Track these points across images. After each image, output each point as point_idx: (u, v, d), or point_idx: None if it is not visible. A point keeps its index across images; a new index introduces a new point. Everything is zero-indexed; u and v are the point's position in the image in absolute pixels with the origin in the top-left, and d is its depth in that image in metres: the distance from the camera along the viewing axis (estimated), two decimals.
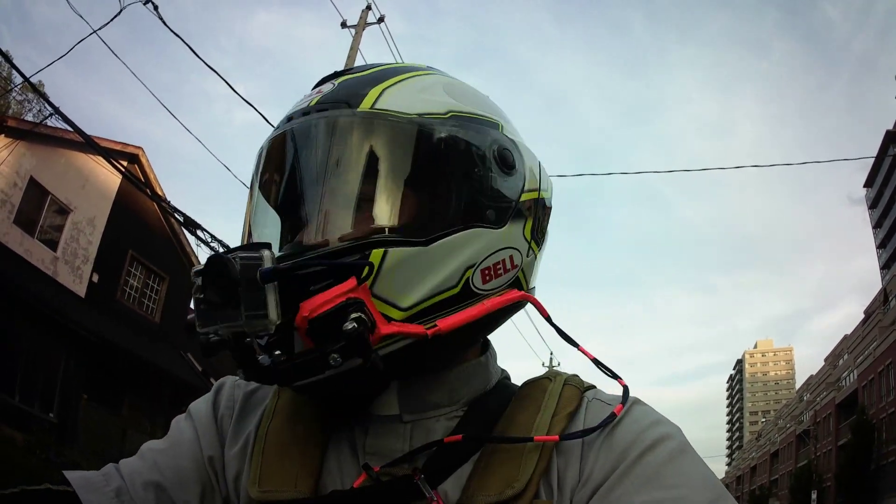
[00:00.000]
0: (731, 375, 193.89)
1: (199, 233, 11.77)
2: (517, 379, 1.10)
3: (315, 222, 0.93)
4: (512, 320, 1.09)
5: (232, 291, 0.79)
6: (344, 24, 14.08)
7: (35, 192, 16.78)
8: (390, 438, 0.95)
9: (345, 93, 0.97)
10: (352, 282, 0.84)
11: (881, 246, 70.56)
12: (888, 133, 58.14)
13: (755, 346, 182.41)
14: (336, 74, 1.04)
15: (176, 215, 12.90)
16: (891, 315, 47.96)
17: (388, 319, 0.86)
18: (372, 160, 0.92)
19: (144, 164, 19.65)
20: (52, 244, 17.40)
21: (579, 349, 1.03)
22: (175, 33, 9.49)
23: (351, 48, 13.62)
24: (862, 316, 60.76)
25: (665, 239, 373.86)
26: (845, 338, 63.29)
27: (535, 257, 1.04)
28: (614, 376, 0.99)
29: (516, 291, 0.99)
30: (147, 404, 20.29)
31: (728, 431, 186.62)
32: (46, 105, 10.77)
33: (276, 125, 1.02)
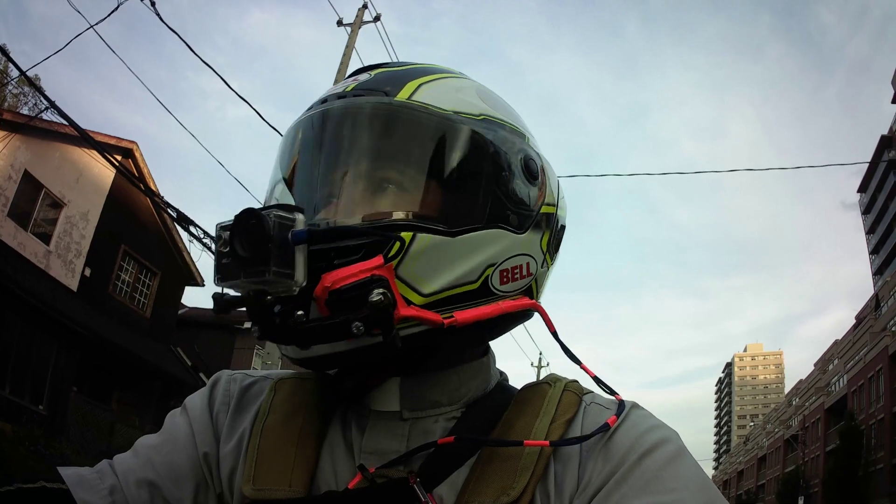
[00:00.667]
0: (720, 378, 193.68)
1: (191, 229, 11.77)
2: (511, 380, 1.11)
3: (345, 199, 0.94)
4: None
5: (262, 247, 0.80)
6: (340, 23, 14.04)
7: (29, 186, 16.71)
8: (387, 438, 0.95)
9: (382, 82, 0.99)
10: (378, 259, 0.84)
11: (874, 252, 70.61)
12: (883, 138, 58.26)
13: (745, 350, 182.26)
14: (372, 67, 1.06)
15: (169, 211, 12.87)
16: (882, 321, 48.04)
17: (408, 303, 0.86)
18: (406, 147, 0.95)
19: (139, 158, 19.55)
20: (46, 238, 17.33)
21: (581, 367, 1.03)
22: (171, 29, 9.46)
23: (347, 46, 13.58)
24: (853, 321, 60.92)
25: (657, 241, 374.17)
26: (836, 343, 63.31)
27: (548, 270, 1.06)
28: (612, 393, 1.00)
29: (528, 299, 1.01)
30: (136, 399, 20.26)
31: (716, 435, 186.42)
32: (42, 99, 10.75)
33: (287, 117, 1.05)
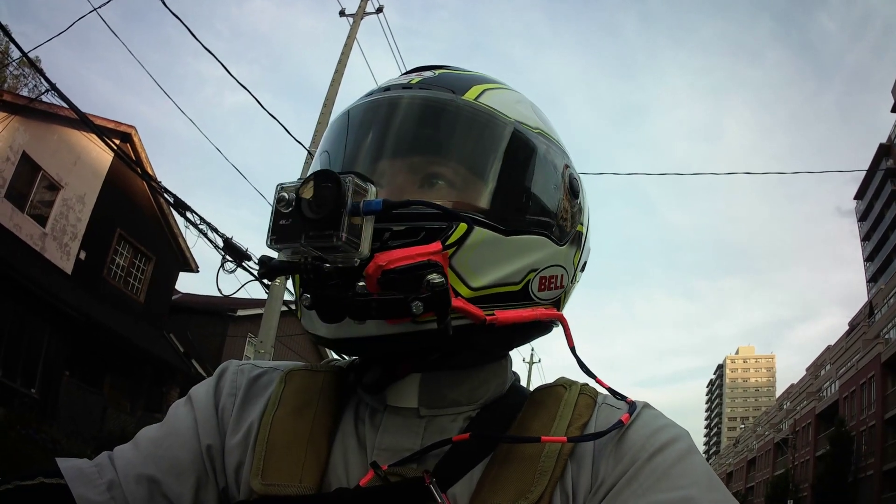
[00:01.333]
0: (711, 380, 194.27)
1: (188, 214, 11.72)
2: None
3: (406, 185, 0.93)
4: None
5: (336, 211, 0.78)
6: (342, 13, 14.01)
7: (27, 167, 16.69)
8: (402, 435, 0.94)
9: (448, 81, 1.02)
10: (437, 245, 0.85)
11: (868, 259, 70.82)
12: (881, 146, 58.32)
13: (737, 352, 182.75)
14: (433, 66, 1.09)
15: (165, 196, 12.83)
16: (875, 328, 48.23)
17: (455, 294, 0.86)
18: (470, 145, 0.97)
19: (137, 143, 19.50)
20: (42, 220, 17.32)
21: (597, 380, 1.03)
22: (174, 13, 9.43)
23: (348, 37, 13.54)
24: (845, 327, 61.04)
25: (650, 242, 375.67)
26: (828, 348, 63.59)
27: (574, 286, 1.08)
28: (622, 398, 0.99)
29: (556, 310, 1.02)
30: (128, 384, 20.27)
31: (706, 437, 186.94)
32: (42, 81, 10.71)
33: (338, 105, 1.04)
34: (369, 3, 14.02)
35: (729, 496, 0.84)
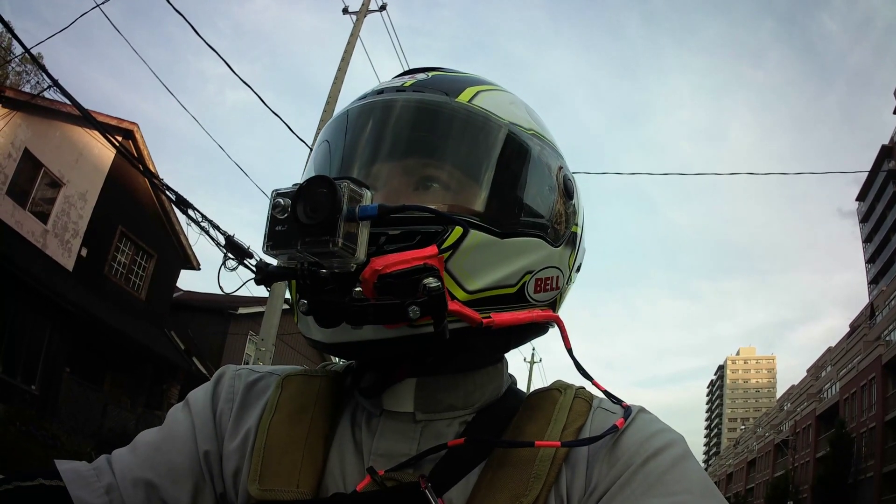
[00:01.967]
0: (711, 381, 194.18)
1: (190, 212, 11.72)
2: None
3: (400, 189, 0.93)
4: None
5: (331, 217, 0.78)
6: (346, 10, 14.01)
7: (29, 164, 16.70)
8: (398, 440, 0.94)
9: (441, 84, 1.02)
10: (432, 249, 0.85)
11: (870, 261, 70.70)
12: (884, 147, 58.37)
13: (738, 353, 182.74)
14: (426, 69, 1.09)
15: (168, 193, 12.83)
16: (876, 330, 48.17)
17: (451, 297, 0.86)
18: (465, 147, 0.96)
19: (139, 140, 19.56)
20: (43, 217, 17.32)
21: (593, 383, 1.02)
22: (177, 10, 9.43)
23: (351, 35, 13.53)
24: (846, 329, 61.03)
25: (651, 241, 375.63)
26: (829, 350, 63.57)
27: (569, 287, 1.08)
28: (618, 402, 0.99)
29: (552, 312, 1.02)
30: (129, 381, 20.32)
31: (706, 437, 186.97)
32: (45, 77, 10.71)
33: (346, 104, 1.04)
34: (372, 0, 14.02)
35: (723, 503, 0.84)
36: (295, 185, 0.82)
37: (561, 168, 1.04)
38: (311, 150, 1.06)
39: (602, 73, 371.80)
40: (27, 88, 21.46)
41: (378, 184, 0.93)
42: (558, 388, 1.01)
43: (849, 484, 41.85)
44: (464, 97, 0.98)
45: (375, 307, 0.82)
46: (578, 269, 1.10)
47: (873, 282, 68.14)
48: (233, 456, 0.98)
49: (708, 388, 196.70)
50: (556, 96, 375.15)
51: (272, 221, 0.82)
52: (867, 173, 61.77)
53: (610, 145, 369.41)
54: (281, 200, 0.81)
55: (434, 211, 0.87)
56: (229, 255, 11.48)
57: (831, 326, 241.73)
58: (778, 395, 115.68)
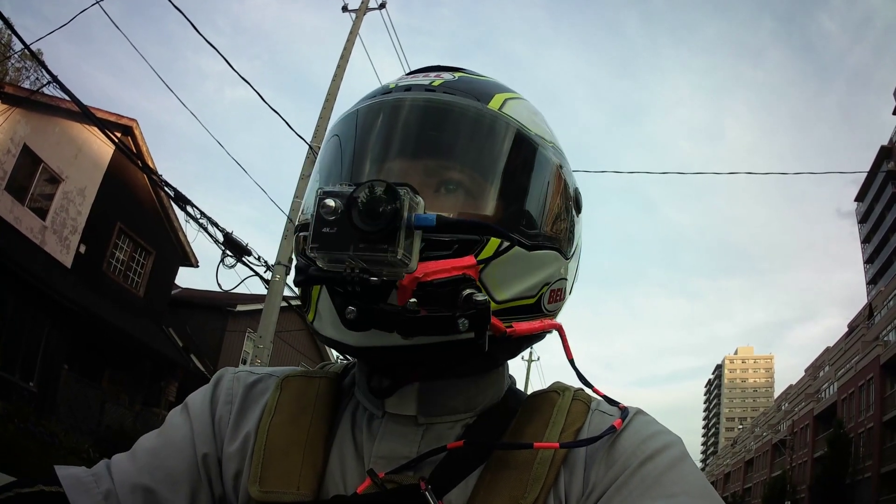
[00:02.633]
0: (709, 380, 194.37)
1: (188, 209, 11.71)
2: None
3: (431, 191, 0.91)
4: None
5: (392, 225, 0.75)
6: (345, 8, 14.01)
7: (28, 160, 16.71)
8: (399, 442, 0.94)
9: (470, 88, 1.00)
10: (471, 259, 0.85)
11: (869, 261, 70.87)
12: (883, 148, 58.36)
13: (735, 353, 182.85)
14: (448, 68, 1.08)
15: (166, 189, 12.81)
16: (875, 330, 48.20)
17: None
18: (502, 157, 0.95)
19: (138, 136, 19.55)
20: (42, 213, 17.33)
21: (593, 389, 1.03)
22: (176, 7, 9.42)
23: (350, 33, 13.54)
24: (845, 329, 61.07)
25: (649, 241, 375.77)
26: (827, 350, 63.54)
27: (569, 296, 1.09)
28: (615, 404, 0.99)
29: (554, 320, 1.03)
30: (127, 378, 20.30)
31: (703, 437, 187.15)
32: (44, 73, 10.68)
33: (368, 95, 1.03)
34: None
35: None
36: (346, 183, 0.80)
37: (573, 182, 1.06)
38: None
39: (601, 72, 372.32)
40: (27, 84, 21.50)
41: (412, 184, 0.89)
42: (557, 390, 1.01)
43: (846, 484, 41.85)
44: (494, 104, 0.97)
45: (428, 319, 0.81)
46: (576, 279, 1.12)
47: (872, 282, 68.32)
48: (233, 458, 0.98)
49: (706, 387, 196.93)
50: (556, 95, 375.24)
51: (319, 222, 0.78)
52: (866, 174, 61.74)
53: (609, 144, 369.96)
54: (331, 202, 0.77)
55: (490, 226, 0.88)
56: (228, 252, 11.48)
57: (830, 326, 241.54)
58: (776, 395, 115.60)
